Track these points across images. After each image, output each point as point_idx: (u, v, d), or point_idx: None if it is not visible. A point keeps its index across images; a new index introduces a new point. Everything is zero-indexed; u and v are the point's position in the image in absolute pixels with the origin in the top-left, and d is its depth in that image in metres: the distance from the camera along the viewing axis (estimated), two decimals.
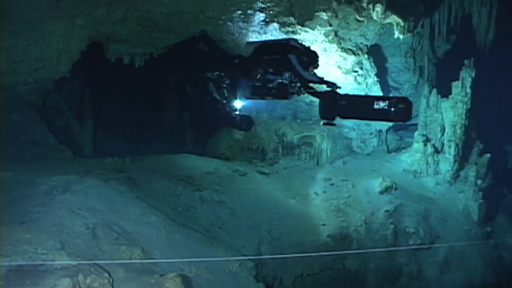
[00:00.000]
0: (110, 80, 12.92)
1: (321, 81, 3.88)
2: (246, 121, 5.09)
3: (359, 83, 9.66)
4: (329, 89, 3.73)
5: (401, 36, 8.92)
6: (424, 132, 11.03)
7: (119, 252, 5.12)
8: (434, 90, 11.24)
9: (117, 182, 7.41)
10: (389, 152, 11.92)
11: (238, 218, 8.80)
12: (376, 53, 10.53)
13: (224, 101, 5.42)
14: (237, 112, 5.11)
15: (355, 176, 10.46)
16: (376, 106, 3.22)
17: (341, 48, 9.03)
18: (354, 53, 9.21)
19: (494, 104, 14.74)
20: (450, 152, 10.54)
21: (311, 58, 4.04)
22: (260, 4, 7.51)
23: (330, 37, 8.66)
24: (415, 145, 10.87)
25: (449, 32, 11.91)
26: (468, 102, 10.45)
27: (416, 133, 11.05)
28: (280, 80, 3.97)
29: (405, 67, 11.94)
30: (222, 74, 5.63)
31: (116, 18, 7.69)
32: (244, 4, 7.54)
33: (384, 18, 8.71)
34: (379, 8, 8.15)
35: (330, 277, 9.25)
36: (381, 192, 9.79)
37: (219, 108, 5.45)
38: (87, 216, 5.43)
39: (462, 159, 10.73)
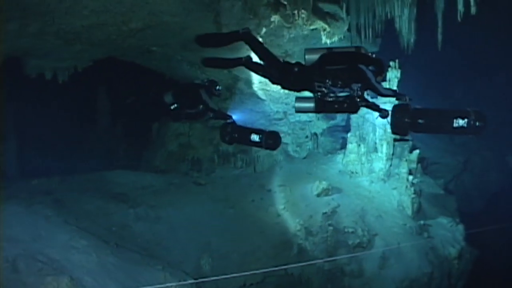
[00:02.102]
0: (34, 96, 12.22)
1: (395, 93, 3.77)
2: (271, 137, 4.74)
3: (291, 89, 9.74)
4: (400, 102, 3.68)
5: (328, 41, 9.10)
6: (357, 133, 11.32)
7: (44, 284, 4.82)
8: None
9: (43, 206, 7.03)
10: (324, 154, 12.15)
11: (176, 233, 8.58)
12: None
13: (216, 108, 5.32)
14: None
15: (292, 181, 10.52)
16: (455, 125, 3.24)
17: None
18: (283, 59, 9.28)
19: (420, 102, 15.43)
20: (382, 151, 10.88)
21: (379, 67, 3.79)
22: None
23: None
24: (349, 146, 11.14)
25: (375, 35, 12.32)
26: (395, 102, 10.83)
27: (349, 134, 11.33)
28: (346, 92, 3.67)
29: None
30: (214, 79, 5.54)
31: (31, 32, 7.24)
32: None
33: (310, 24, 8.87)
34: (304, 14, 8.27)
35: (274, 284, 9.21)
36: (318, 195, 9.92)
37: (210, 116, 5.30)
38: (7, 248, 5.06)
39: (394, 157, 11.11)
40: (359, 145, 11.00)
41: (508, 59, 16.94)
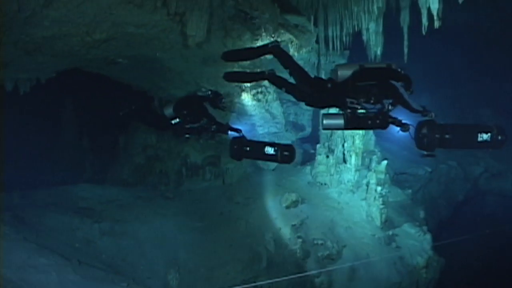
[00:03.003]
0: None
1: (424, 109, 3.66)
2: (287, 149, 4.47)
3: (258, 100, 9.73)
4: (426, 118, 3.59)
5: (295, 53, 9.14)
6: (326, 144, 11.38)
7: None
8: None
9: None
10: (294, 166, 12.13)
11: (143, 248, 8.39)
12: (276, 70, 10.68)
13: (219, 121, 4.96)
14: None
15: (261, 193, 10.46)
16: (479, 139, 3.37)
17: (239, 67, 9.05)
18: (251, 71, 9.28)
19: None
20: (351, 162, 10.96)
21: (408, 83, 3.74)
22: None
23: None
24: (318, 157, 11.17)
25: (343, 48, 12.47)
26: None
27: (318, 145, 11.36)
28: (376, 108, 3.65)
29: None
30: (217, 91, 5.21)
31: None
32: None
33: (277, 36, 8.90)
34: (271, 26, 8.28)
35: None
36: (287, 207, 9.88)
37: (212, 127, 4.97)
38: None
39: (362, 168, 11.21)
40: (328, 156, 11.04)
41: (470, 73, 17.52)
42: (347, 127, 3.80)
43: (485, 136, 3.35)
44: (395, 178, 12.91)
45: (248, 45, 9.07)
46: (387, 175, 11.21)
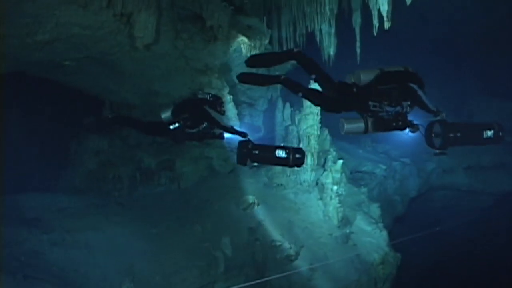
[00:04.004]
0: None
1: (437, 109, 3.74)
2: (299, 152, 4.36)
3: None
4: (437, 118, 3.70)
5: (248, 54, 9.08)
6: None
7: None
8: (288, 104, 11.71)
9: None
10: (250, 167, 12.06)
11: (95, 257, 8.05)
12: (229, 71, 10.60)
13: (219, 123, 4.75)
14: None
15: (217, 196, 10.32)
16: (485, 136, 3.61)
17: (190, 68, 8.92)
18: (204, 73, 9.15)
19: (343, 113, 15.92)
20: (307, 162, 10.99)
21: (422, 85, 3.85)
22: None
23: (177, 58, 8.49)
24: None
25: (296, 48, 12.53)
26: (319, 114, 11.07)
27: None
28: (396, 111, 3.77)
29: None
30: (216, 94, 5.00)
31: None
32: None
33: (229, 37, 8.82)
34: (223, 27, 8.20)
35: None
36: (245, 209, 9.81)
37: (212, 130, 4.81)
38: None
39: (318, 167, 11.27)
40: None
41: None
42: (372, 130, 3.90)
43: (489, 133, 3.60)
44: (351, 177, 13.08)
45: (200, 47, 8.96)
46: (343, 174, 11.32)
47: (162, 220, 9.35)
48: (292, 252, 9.40)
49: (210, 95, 4.97)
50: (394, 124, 3.80)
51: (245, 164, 4.60)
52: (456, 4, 13.95)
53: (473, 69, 18.32)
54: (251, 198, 9.90)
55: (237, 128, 5.01)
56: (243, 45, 9.21)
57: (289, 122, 11.46)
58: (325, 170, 11.16)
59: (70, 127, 11.18)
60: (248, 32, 9.41)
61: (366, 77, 3.84)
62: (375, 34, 10.22)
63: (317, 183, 11.17)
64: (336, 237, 10.29)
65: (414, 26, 15.85)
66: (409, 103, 3.81)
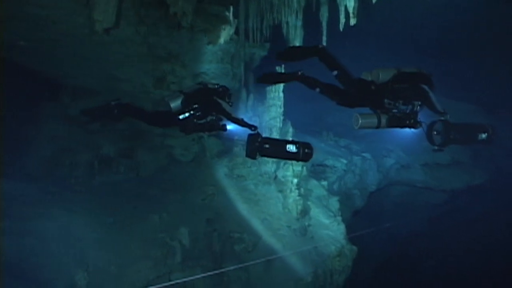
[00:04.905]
0: None
1: (444, 110, 3.94)
2: (307, 146, 4.26)
3: (174, 91, 9.42)
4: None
5: (212, 44, 8.98)
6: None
7: None
8: (251, 95, 11.67)
9: None
10: (211, 157, 11.98)
11: (48, 247, 7.80)
12: (193, 60, 10.44)
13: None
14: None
15: (177, 186, 10.21)
16: (479, 138, 3.91)
17: (153, 55, 8.72)
18: (167, 61, 8.97)
19: (306, 105, 16.09)
20: None
21: (432, 86, 4.04)
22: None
23: (139, 44, 8.28)
24: (235, 149, 11.10)
25: (263, 40, 12.48)
26: (281, 106, 11.09)
27: (236, 137, 11.29)
28: (408, 109, 3.99)
29: (223, 73, 12.10)
30: (225, 85, 4.83)
31: None
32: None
33: (194, 25, 8.67)
34: (187, 15, 8.04)
35: None
36: (204, 200, 9.74)
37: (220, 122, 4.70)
38: None
39: (279, 160, 11.31)
40: None
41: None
42: (384, 126, 4.12)
43: (484, 136, 3.90)
44: (312, 170, 13.20)
45: (164, 34, 8.78)
46: (304, 167, 11.41)
47: (119, 209, 9.15)
48: (250, 243, 9.43)
49: (219, 85, 4.82)
50: (407, 121, 4.02)
51: (254, 158, 4.51)
52: (419, 6, 14.20)
53: (433, 70, 18.80)
54: (210, 189, 9.83)
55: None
56: (209, 34, 9.07)
57: (251, 114, 11.42)
58: (286, 162, 11.21)
59: (25, 111, 10.73)
60: (214, 20, 9.27)
61: (384, 75, 4.05)
62: (341, 29, 10.28)
63: (277, 175, 11.21)
64: (294, 230, 10.38)
65: (380, 24, 16.06)
66: (419, 102, 4.02)
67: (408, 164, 17.37)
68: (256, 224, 9.95)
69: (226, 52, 11.94)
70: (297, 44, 12.41)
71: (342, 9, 9.93)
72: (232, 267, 7.81)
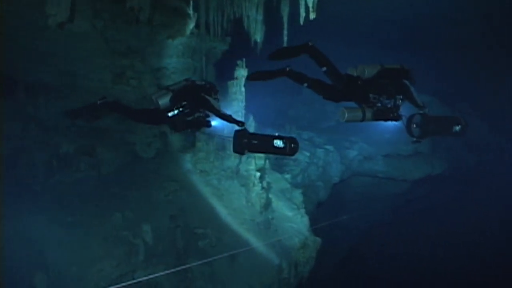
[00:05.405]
0: None
1: (423, 104, 4.20)
2: (293, 141, 4.29)
3: (133, 87, 9.30)
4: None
5: (172, 38, 8.89)
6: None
7: None
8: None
9: None
10: (174, 153, 11.87)
11: (6, 248, 7.58)
12: (152, 54, 10.29)
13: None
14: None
15: (139, 182, 10.09)
16: (454, 130, 4.16)
17: (111, 50, 8.56)
18: (126, 56, 8.82)
19: (268, 99, 16.17)
20: (230, 149, 10.98)
21: (413, 82, 4.27)
22: None
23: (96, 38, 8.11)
24: (198, 144, 11.03)
25: (224, 34, 12.43)
26: (243, 100, 11.11)
27: (198, 132, 11.20)
28: (391, 103, 4.22)
29: (183, 67, 11.98)
30: (211, 82, 4.84)
31: None
32: None
33: (153, 19, 8.56)
34: (144, 9, 7.94)
35: None
36: (166, 196, 9.67)
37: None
38: None
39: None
40: (208, 143, 10.98)
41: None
42: (369, 119, 4.32)
43: (457, 128, 4.13)
44: (275, 163, 13.31)
45: (122, 29, 8.63)
46: (267, 160, 11.50)
47: (80, 208, 8.98)
48: (214, 238, 9.44)
49: (206, 81, 4.85)
50: (391, 115, 4.26)
51: (242, 153, 4.56)
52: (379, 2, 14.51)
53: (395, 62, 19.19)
54: (173, 185, 9.77)
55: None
56: (167, 28, 8.97)
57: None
58: (249, 156, 11.25)
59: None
60: (173, 14, 9.18)
61: (369, 71, 4.26)
62: (301, 23, 10.36)
63: (240, 170, 11.24)
64: (258, 223, 10.46)
65: (343, 18, 16.27)
66: (401, 97, 4.25)
67: (370, 155, 17.75)
68: (220, 219, 9.96)
69: (187, 46, 11.83)
70: (258, 39, 12.47)
71: (302, 3, 10.01)
72: (195, 263, 7.78)
